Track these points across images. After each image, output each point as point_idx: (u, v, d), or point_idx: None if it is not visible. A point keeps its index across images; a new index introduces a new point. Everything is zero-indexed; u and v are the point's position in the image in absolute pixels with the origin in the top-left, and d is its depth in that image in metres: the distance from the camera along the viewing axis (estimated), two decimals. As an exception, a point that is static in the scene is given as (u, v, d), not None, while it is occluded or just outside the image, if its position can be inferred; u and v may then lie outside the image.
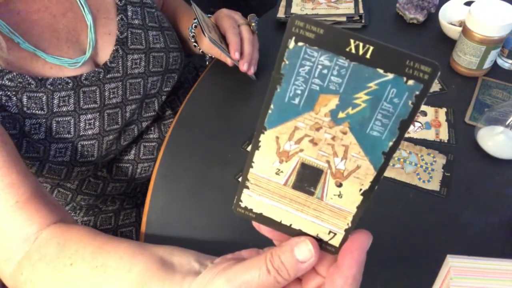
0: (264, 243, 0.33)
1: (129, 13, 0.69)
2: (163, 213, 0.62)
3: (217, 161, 0.68)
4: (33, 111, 0.58)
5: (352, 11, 0.90)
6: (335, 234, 0.29)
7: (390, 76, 0.23)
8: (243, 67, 0.74)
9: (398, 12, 0.91)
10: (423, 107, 0.71)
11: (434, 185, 0.61)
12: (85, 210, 0.79)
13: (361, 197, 0.27)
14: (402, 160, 0.64)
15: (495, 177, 0.62)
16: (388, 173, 0.63)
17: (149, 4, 0.73)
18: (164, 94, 0.77)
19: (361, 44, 0.22)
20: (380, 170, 0.26)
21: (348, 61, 0.23)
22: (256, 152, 0.28)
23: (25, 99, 0.57)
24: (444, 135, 0.67)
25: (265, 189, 0.29)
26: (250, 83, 0.80)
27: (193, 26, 0.81)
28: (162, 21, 0.76)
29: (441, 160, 0.64)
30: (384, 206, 0.58)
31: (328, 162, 0.27)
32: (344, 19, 0.89)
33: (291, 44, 0.23)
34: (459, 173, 0.62)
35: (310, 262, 0.29)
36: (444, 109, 0.71)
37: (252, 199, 0.30)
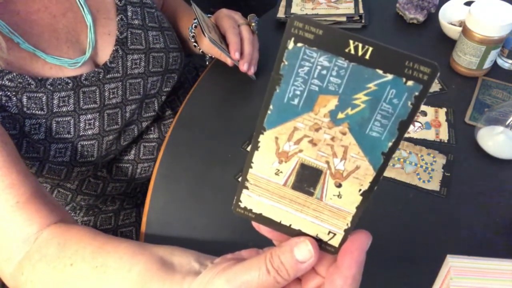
0: (264, 243, 0.33)
1: (129, 13, 0.69)
2: (163, 213, 0.62)
3: (217, 161, 0.68)
4: (33, 111, 0.58)
5: (352, 11, 0.90)
6: (334, 234, 0.29)
7: (390, 77, 0.23)
8: (243, 67, 0.74)
9: (398, 12, 0.91)
10: (423, 107, 0.71)
11: (434, 185, 0.61)
12: (85, 210, 0.79)
13: (360, 198, 0.27)
14: (402, 160, 0.64)
15: (495, 177, 0.62)
16: (388, 173, 0.63)
17: (149, 4, 0.73)
18: (164, 94, 0.77)
19: (360, 45, 0.22)
20: (380, 171, 0.26)
21: (347, 61, 0.23)
22: (256, 152, 0.28)
23: (25, 100, 0.57)
24: (444, 135, 0.67)
25: (264, 189, 0.29)
26: (250, 83, 0.80)
27: (193, 26, 0.81)
28: (162, 21, 0.76)
29: (441, 160, 0.64)
30: (384, 206, 0.58)
31: (327, 162, 0.27)
32: (344, 19, 0.89)
33: (290, 45, 0.23)
34: (459, 173, 0.62)
35: (310, 262, 0.29)
36: (444, 109, 0.71)
37: (251, 200, 0.30)
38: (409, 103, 0.23)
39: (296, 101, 0.25)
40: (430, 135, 0.68)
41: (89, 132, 0.64)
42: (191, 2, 0.74)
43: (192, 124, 0.75)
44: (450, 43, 0.80)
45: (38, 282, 0.45)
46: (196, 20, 0.80)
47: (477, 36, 0.70)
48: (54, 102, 0.60)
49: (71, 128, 0.62)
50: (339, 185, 0.27)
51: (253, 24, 0.78)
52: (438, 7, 0.85)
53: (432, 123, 0.69)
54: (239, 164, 0.66)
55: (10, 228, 0.48)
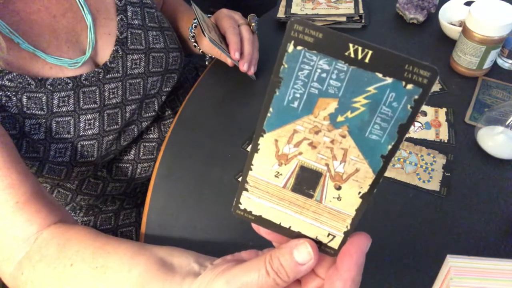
0: (264, 243, 0.33)
1: (129, 14, 0.69)
2: (163, 213, 0.62)
3: (217, 161, 0.68)
4: (33, 111, 0.58)
5: (352, 11, 0.89)
6: (334, 236, 0.29)
7: (389, 80, 0.23)
8: (243, 67, 0.74)
9: (398, 12, 0.90)
10: (423, 107, 0.71)
11: (434, 185, 0.61)
12: (85, 210, 0.79)
13: (360, 200, 0.27)
14: (402, 160, 0.64)
15: (495, 177, 0.62)
16: (388, 173, 0.63)
17: (149, 4, 0.73)
18: (164, 94, 0.77)
19: (360, 48, 0.22)
20: (379, 174, 0.26)
21: (347, 65, 0.23)
22: (255, 155, 0.28)
23: (25, 100, 0.57)
24: (444, 135, 0.67)
25: (264, 191, 0.29)
26: (250, 83, 0.80)
27: (193, 26, 0.81)
28: (162, 21, 0.76)
29: (441, 160, 0.64)
30: (384, 206, 0.58)
31: (327, 165, 0.27)
32: (344, 19, 0.89)
33: (290, 48, 0.23)
34: (459, 173, 0.62)
35: (309, 264, 0.29)
36: (444, 109, 0.71)
37: (251, 201, 0.30)
38: (409, 106, 0.23)
39: (295, 104, 0.25)
40: (430, 135, 0.68)
41: (89, 132, 0.64)
42: (191, 2, 0.74)
43: (192, 124, 0.75)
44: (450, 43, 0.80)
45: (38, 282, 0.45)
46: (196, 20, 0.80)
47: (477, 36, 0.70)
48: (54, 102, 0.60)
49: (71, 128, 0.62)
50: (339, 188, 0.27)
51: (253, 24, 0.78)
52: (438, 7, 0.85)
53: (432, 123, 0.69)
54: (239, 164, 0.66)
55: (10, 228, 0.48)
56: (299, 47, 0.23)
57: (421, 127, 0.69)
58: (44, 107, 0.59)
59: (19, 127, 0.58)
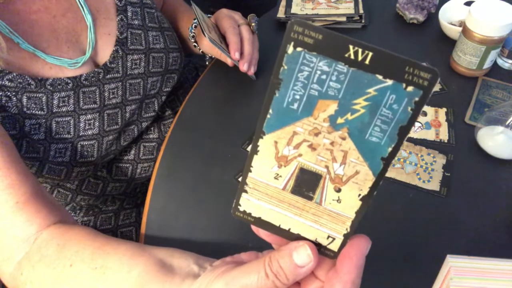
0: (263, 244, 0.33)
1: (129, 14, 0.69)
2: (163, 213, 0.62)
3: (217, 161, 0.68)
4: (33, 111, 0.58)
5: (352, 11, 0.89)
6: (333, 239, 0.29)
7: (389, 82, 0.23)
8: (243, 67, 0.74)
9: (398, 12, 0.90)
10: (423, 107, 0.71)
11: (434, 185, 0.61)
12: (85, 210, 0.79)
13: (359, 203, 0.27)
14: (402, 160, 0.64)
15: (495, 177, 0.62)
16: (388, 173, 0.63)
17: (149, 4, 0.73)
18: (164, 94, 0.77)
19: (360, 50, 0.22)
20: (379, 176, 0.26)
21: (347, 66, 0.23)
22: (255, 156, 0.28)
23: (25, 100, 0.57)
24: (444, 135, 0.67)
25: (263, 193, 0.29)
26: (250, 83, 0.80)
27: (193, 26, 0.81)
28: (162, 21, 0.76)
29: (441, 160, 0.64)
30: (384, 206, 0.58)
31: (327, 167, 0.27)
32: (344, 19, 0.89)
33: (290, 50, 0.23)
34: (459, 173, 0.62)
35: (309, 267, 0.29)
36: (444, 109, 0.71)
37: (250, 203, 0.30)
38: (409, 108, 0.23)
39: (295, 106, 0.25)
40: (430, 135, 0.68)
41: (89, 132, 0.64)
42: (191, 2, 0.74)
43: (192, 124, 0.75)
44: (450, 43, 0.80)
45: (38, 283, 0.45)
46: (196, 20, 0.80)
47: (477, 36, 0.70)
48: (54, 102, 0.60)
49: (71, 128, 0.62)
50: (339, 190, 0.27)
51: (253, 24, 0.78)
52: (438, 7, 0.85)
53: (432, 123, 0.69)
54: (239, 164, 0.66)
55: (10, 229, 0.48)
56: (299, 49, 0.23)
57: (421, 127, 0.69)
58: (44, 107, 0.59)
59: (19, 127, 0.58)
